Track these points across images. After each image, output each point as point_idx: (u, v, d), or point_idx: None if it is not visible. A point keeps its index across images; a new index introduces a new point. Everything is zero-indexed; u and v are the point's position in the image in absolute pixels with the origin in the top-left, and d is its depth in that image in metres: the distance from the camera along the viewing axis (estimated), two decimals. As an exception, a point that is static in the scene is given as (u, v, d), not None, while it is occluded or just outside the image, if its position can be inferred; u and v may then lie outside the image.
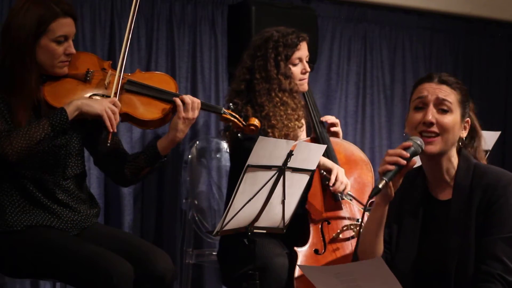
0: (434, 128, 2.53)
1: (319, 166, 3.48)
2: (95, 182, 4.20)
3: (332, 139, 3.71)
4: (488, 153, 3.85)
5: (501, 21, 5.74)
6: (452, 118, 2.54)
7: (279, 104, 3.61)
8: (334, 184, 3.47)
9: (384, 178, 2.44)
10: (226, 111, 3.23)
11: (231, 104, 3.30)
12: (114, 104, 3.00)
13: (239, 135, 3.30)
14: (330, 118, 3.80)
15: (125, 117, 3.13)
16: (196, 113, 3.15)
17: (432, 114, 2.53)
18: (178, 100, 3.12)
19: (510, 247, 2.46)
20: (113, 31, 4.34)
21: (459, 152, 2.61)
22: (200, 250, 4.39)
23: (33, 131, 2.90)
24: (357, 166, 3.69)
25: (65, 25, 3.01)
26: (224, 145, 4.48)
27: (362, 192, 3.61)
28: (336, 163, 3.59)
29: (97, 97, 3.07)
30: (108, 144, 3.01)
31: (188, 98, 3.13)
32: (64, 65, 3.06)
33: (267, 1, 4.65)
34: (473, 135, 2.66)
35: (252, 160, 2.87)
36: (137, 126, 3.23)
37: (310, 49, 3.75)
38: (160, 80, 3.24)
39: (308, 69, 3.71)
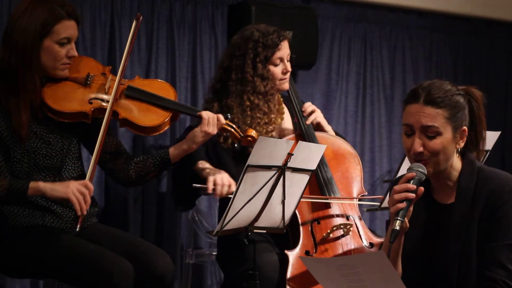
0: (425, 154, 2.49)
1: None
2: (95, 182, 4.18)
3: (317, 133, 3.63)
4: (488, 153, 3.86)
5: (501, 21, 5.74)
6: (441, 141, 2.49)
7: (248, 108, 3.53)
8: (214, 190, 3.28)
9: (399, 219, 2.41)
10: (224, 121, 3.23)
11: (228, 114, 3.29)
12: (85, 186, 2.94)
13: (235, 145, 3.30)
14: (305, 107, 3.66)
15: (124, 122, 3.15)
16: (215, 129, 3.21)
17: (418, 144, 2.48)
18: (204, 114, 3.20)
19: None
20: (113, 31, 4.34)
21: (463, 154, 2.58)
22: (200, 250, 4.39)
23: None
24: (345, 160, 3.64)
25: (69, 28, 3.02)
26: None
27: (351, 187, 3.57)
28: (322, 158, 3.52)
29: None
30: (77, 230, 2.94)
31: (205, 113, 3.21)
32: (65, 68, 3.07)
33: (267, 1, 4.65)
34: (473, 138, 2.60)
35: (252, 160, 2.87)
36: (135, 131, 3.24)
37: (291, 46, 3.65)
38: (159, 87, 3.26)
39: (289, 69, 3.61)
